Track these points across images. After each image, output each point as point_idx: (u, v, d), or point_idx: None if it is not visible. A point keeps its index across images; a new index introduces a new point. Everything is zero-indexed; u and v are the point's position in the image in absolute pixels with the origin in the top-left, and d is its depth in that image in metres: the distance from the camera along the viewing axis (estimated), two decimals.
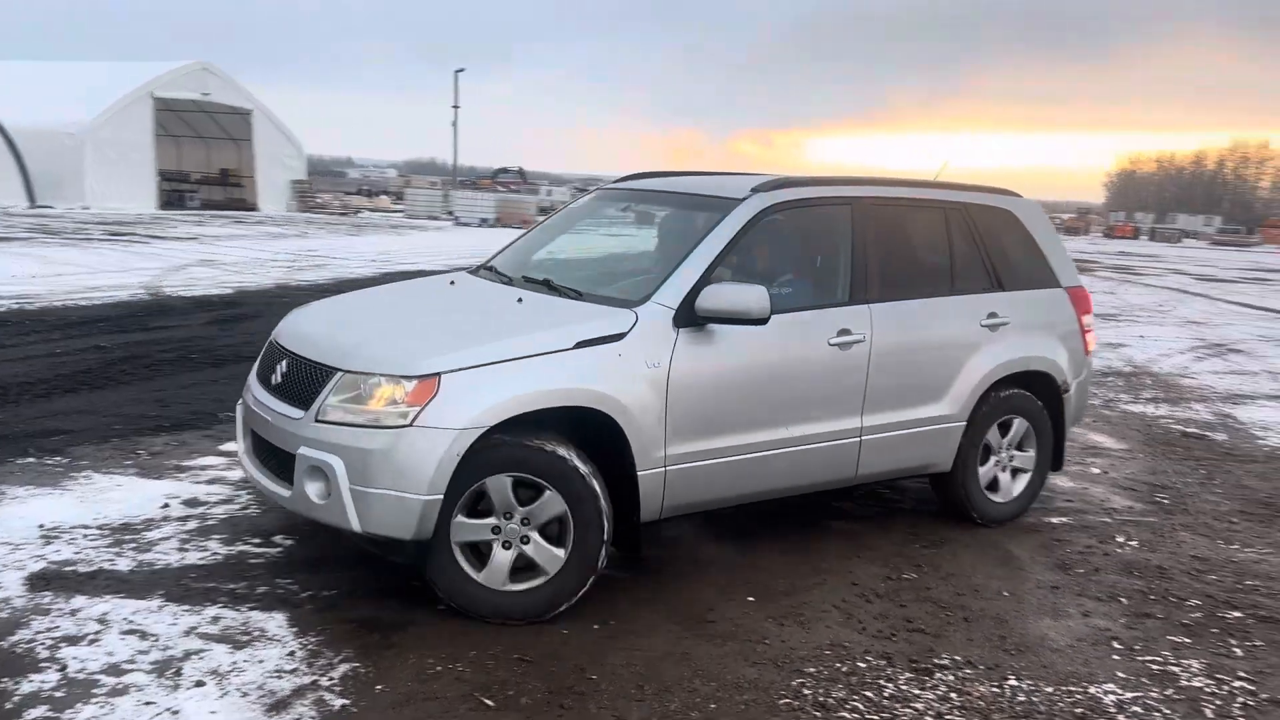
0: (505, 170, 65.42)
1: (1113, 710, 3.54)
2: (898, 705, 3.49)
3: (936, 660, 3.84)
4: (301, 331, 4.35)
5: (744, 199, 4.63)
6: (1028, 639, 4.08)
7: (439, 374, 3.74)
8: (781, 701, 3.46)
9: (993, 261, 5.39)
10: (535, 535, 3.91)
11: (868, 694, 3.55)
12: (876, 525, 5.36)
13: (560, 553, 3.92)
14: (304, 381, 3.99)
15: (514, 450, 3.81)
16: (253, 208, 36.02)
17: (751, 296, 4.14)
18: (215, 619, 3.81)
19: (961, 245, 5.32)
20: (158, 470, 5.55)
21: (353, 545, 4.11)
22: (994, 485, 5.42)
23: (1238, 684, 3.77)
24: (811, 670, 3.69)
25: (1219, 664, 3.93)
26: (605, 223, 5.81)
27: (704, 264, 4.34)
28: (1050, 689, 3.66)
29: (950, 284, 5.23)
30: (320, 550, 4.51)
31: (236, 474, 5.48)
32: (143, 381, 7.70)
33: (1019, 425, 5.43)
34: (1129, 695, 3.65)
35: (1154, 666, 3.89)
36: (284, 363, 4.20)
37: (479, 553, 3.91)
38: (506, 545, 3.89)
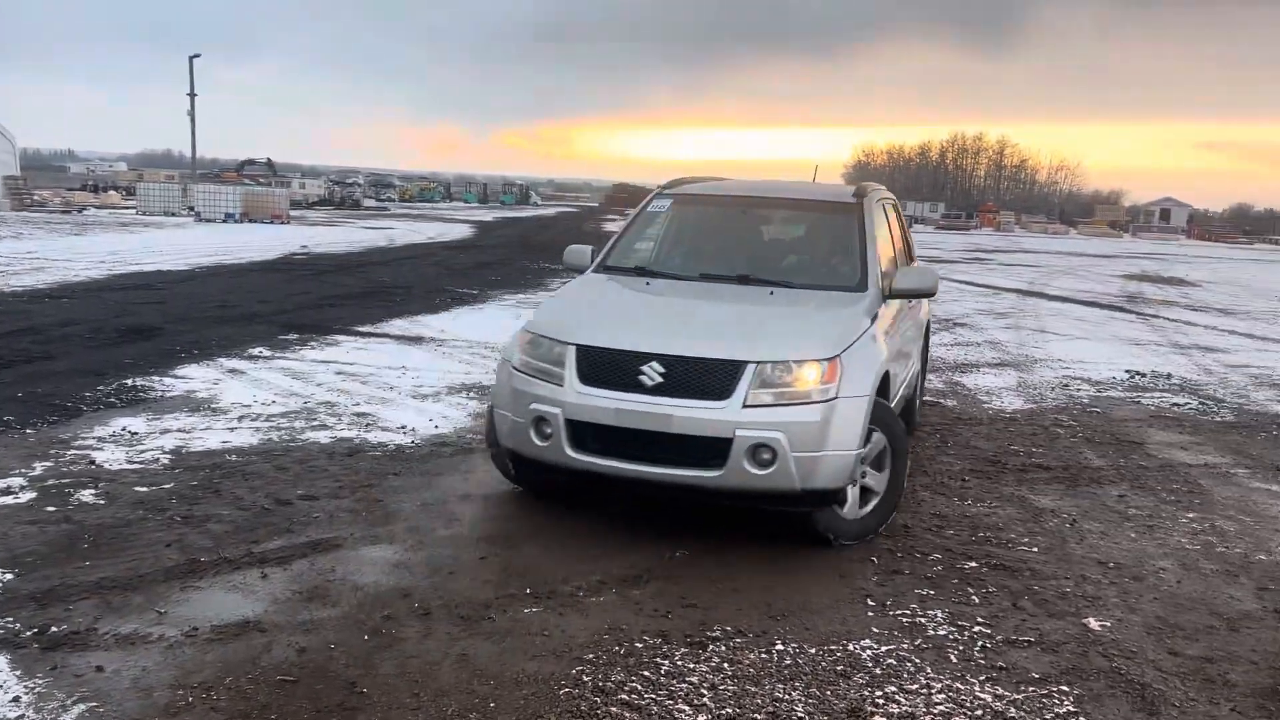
0: (252, 162, 61.74)
1: (870, 664, 3.76)
2: (674, 681, 3.55)
3: (709, 633, 3.94)
4: (660, 339, 4.82)
5: (859, 201, 6.14)
6: (791, 604, 4.27)
7: (839, 355, 4.74)
8: (562, 692, 3.44)
9: None
10: (869, 469, 5.02)
11: (645, 673, 3.59)
12: (650, 509, 5.44)
13: (885, 474, 5.07)
14: (702, 377, 4.66)
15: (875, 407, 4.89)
16: None
17: (929, 278, 5.77)
18: None
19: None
20: None
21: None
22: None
23: (977, 629, 4.10)
24: (590, 657, 3.69)
25: (960, 612, 4.26)
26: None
27: (879, 254, 5.79)
28: (814, 649, 3.84)
29: None
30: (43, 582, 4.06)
31: None
32: None
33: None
34: (883, 649, 3.89)
35: (904, 619, 4.17)
36: (654, 365, 4.70)
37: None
38: (853, 482, 4.91)
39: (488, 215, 54.25)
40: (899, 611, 4.24)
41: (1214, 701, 3.56)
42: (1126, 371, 10.68)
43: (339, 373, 8.70)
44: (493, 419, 5.31)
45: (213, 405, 7.26)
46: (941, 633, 4.06)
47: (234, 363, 8.87)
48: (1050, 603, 4.40)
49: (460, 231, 35.56)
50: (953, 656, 3.85)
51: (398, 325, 11.72)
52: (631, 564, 4.63)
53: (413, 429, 6.91)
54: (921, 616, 4.20)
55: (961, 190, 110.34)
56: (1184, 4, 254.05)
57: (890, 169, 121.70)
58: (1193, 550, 5.11)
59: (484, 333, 11.35)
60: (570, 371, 4.84)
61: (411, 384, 8.39)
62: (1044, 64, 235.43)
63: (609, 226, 46.68)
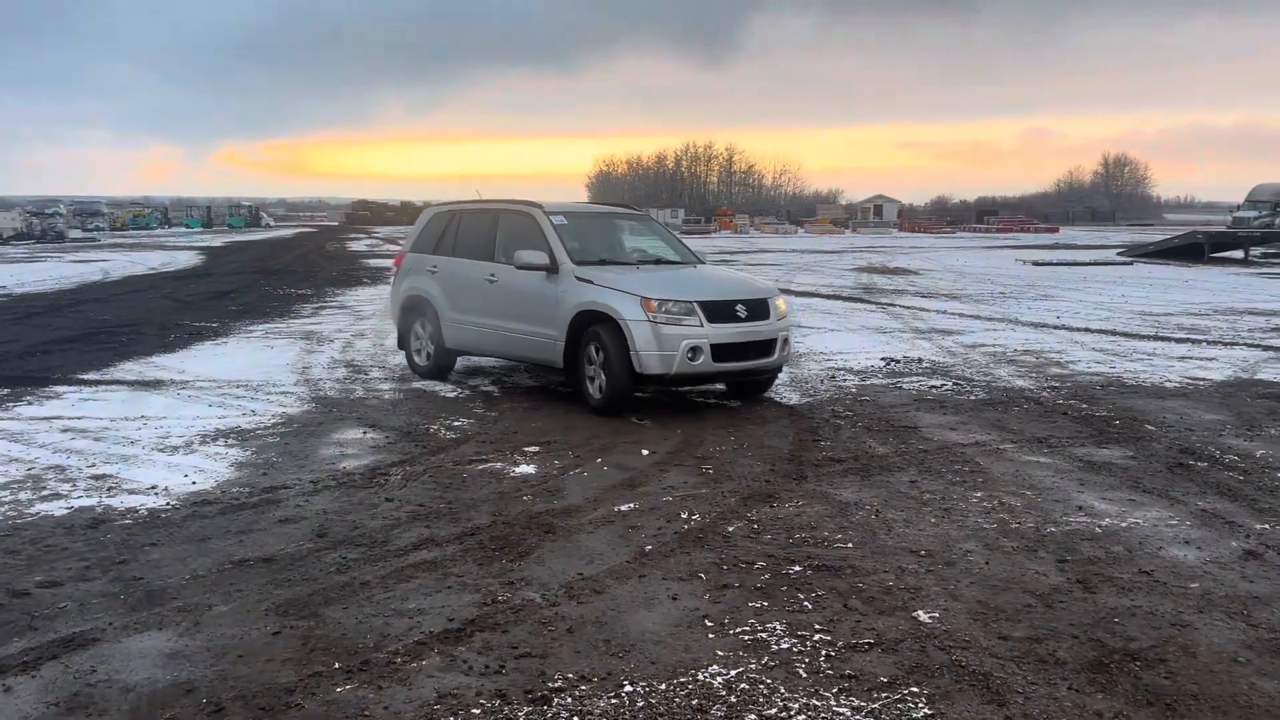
0: None
1: (723, 692, 3.56)
2: None
3: (551, 684, 3.61)
4: (726, 295, 8.34)
5: (642, 212, 11.12)
6: (630, 637, 4.01)
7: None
8: None
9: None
10: None
11: None
12: (458, 549, 5.02)
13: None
14: (756, 309, 8.33)
15: None
16: None
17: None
18: None
19: None
20: None
21: None
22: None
23: (817, 637, 4.01)
24: None
25: (797, 621, 4.17)
26: (606, 231, 9.74)
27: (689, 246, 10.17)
28: (664, 685, 3.60)
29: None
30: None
31: None
32: None
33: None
34: (733, 673, 3.71)
35: (746, 638, 4.01)
36: (740, 306, 8.24)
37: None
38: None
39: (216, 240, 50.62)
40: (739, 629, 4.08)
41: (1051, 682, 3.63)
42: (882, 359, 11.27)
43: (65, 430, 7.59)
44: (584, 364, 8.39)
45: None
46: (785, 646, 3.93)
47: None
48: (878, 599, 4.40)
49: (187, 259, 32.89)
50: (802, 671, 3.73)
51: (129, 369, 10.47)
52: (449, 613, 4.21)
53: (165, 488, 6.09)
54: (762, 631, 4.07)
55: (697, 196, 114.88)
56: (878, 18, 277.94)
57: (631, 178, 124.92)
58: (990, 529, 5.32)
59: (231, 369, 10.36)
60: (701, 317, 7.97)
61: (155, 435, 7.44)
62: (760, 75, 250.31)
63: (354, 246, 44.80)
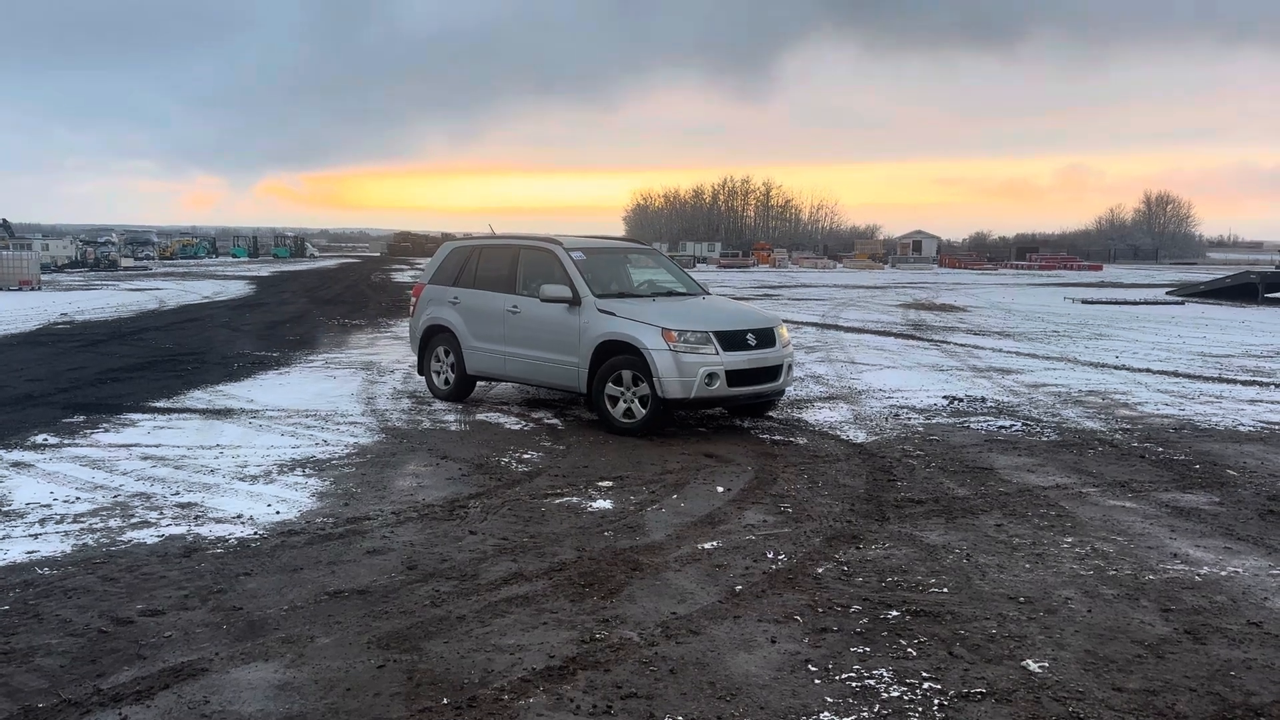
0: None
1: None
2: None
3: None
4: (738, 325, 9.00)
5: (649, 246, 11.69)
6: (734, 680, 3.97)
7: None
8: None
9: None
10: None
11: None
12: (548, 584, 5.01)
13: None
14: (764, 338, 9.01)
15: None
16: None
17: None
18: None
19: None
20: None
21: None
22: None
23: (926, 685, 3.95)
24: None
25: (904, 668, 4.10)
26: (619, 265, 10.40)
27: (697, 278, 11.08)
28: None
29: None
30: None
31: None
32: None
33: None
34: None
35: (853, 684, 3.96)
36: (750, 335, 8.92)
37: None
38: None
39: (264, 270, 51.44)
40: (844, 675, 4.03)
41: None
42: (944, 397, 11.16)
43: (145, 457, 7.70)
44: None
45: (3, 508, 6.19)
46: (895, 694, 3.87)
47: (16, 455, 7.68)
48: (983, 647, 4.32)
49: (239, 289, 33.41)
50: None
51: (199, 398, 10.62)
52: (548, 650, 4.20)
53: (250, 517, 6.14)
54: (869, 678, 4.01)
55: (734, 230, 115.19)
56: (918, 53, 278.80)
57: (668, 212, 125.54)
58: (1088, 576, 5.22)
59: (299, 399, 10.47)
60: (716, 345, 8.64)
61: (233, 465, 7.52)
62: (798, 109, 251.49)
63: (399, 277, 45.31)
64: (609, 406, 8.94)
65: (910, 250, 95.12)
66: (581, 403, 10.01)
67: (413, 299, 11.27)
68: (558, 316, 9.39)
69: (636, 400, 8.82)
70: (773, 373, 9.10)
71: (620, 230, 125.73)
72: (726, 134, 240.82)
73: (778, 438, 8.87)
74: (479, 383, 10.80)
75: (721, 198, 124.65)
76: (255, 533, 5.83)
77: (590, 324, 9.12)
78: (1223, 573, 5.29)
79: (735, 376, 8.70)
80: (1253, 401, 11.11)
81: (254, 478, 7.12)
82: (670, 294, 9.99)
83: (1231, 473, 7.58)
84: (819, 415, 9.99)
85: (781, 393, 9.71)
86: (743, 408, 9.66)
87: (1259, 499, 6.80)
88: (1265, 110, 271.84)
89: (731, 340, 8.77)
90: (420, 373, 11.05)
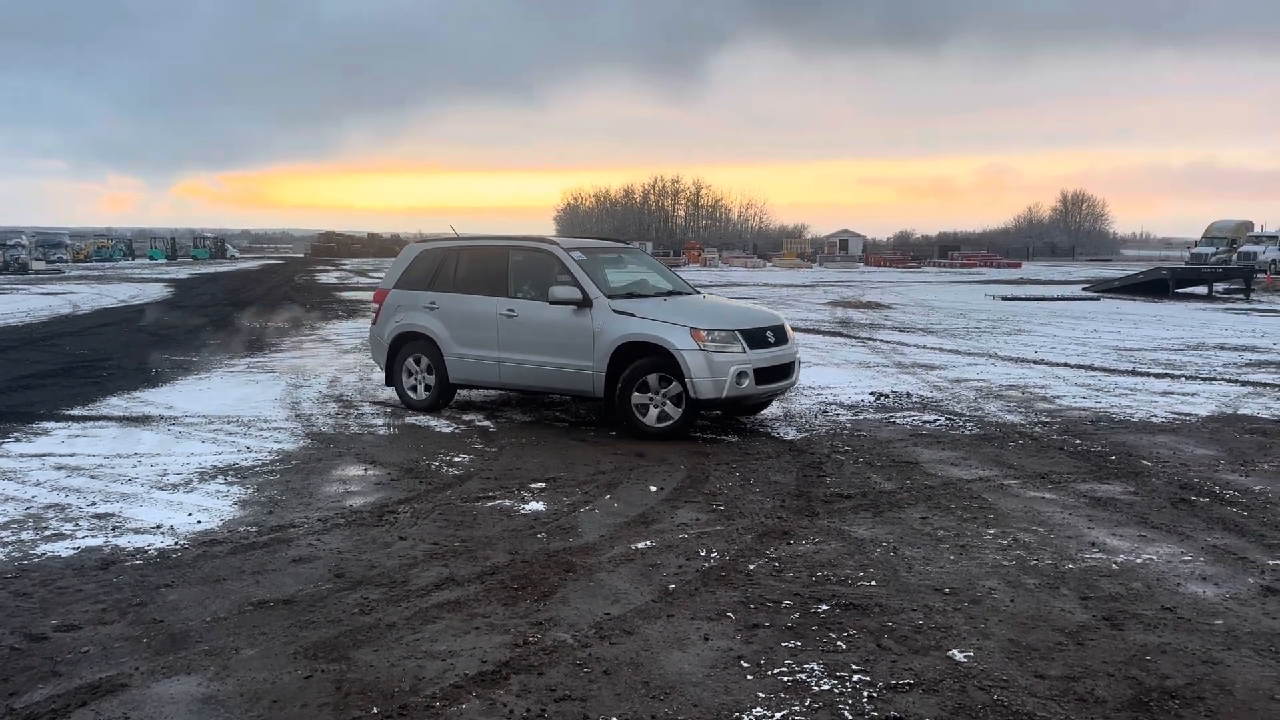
0: None
1: None
2: None
3: None
4: (757, 323, 9.04)
5: (636, 245, 12.09)
6: (668, 678, 3.98)
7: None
8: None
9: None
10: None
11: None
12: (480, 588, 4.97)
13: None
14: (779, 335, 9.13)
15: None
16: None
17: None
18: None
19: None
20: None
21: None
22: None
23: (857, 678, 4.01)
24: None
25: (834, 661, 4.16)
26: (615, 265, 10.10)
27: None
28: None
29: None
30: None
31: None
32: None
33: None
34: (778, 715, 3.69)
35: (785, 678, 4.00)
36: (769, 332, 9.00)
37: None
38: None
39: (182, 272, 50.10)
40: (776, 670, 4.07)
41: None
42: (871, 394, 11.34)
43: (59, 467, 7.44)
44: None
45: None
46: (826, 687, 3.92)
47: None
48: (910, 638, 4.40)
49: (157, 292, 32.50)
50: (847, 713, 3.71)
51: (115, 405, 10.30)
52: (481, 655, 4.16)
53: (171, 527, 5.98)
54: (800, 672, 4.05)
55: (665, 229, 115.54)
56: (844, 55, 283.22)
57: (599, 211, 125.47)
58: (1010, 566, 5.35)
59: (220, 405, 10.22)
60: (743, 344, 8.63)
61: (153, 473, 7.31)
62: (728, 110, 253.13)
63: (324, 278, 44.48)
64: (638, 415, 8.71)
65: (837, 249, 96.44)
66: (594, 407, 9.78)
67: (375, 305, 10.60)
68: (564, 319, 9.09)
69: (669, 402, 8.67)
70: (787, 369, 9.18)
71: (552, 229, 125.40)
72: (657, 134, 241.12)
73: (710, 436, 8.93)
74: (458, 391, 10.37)
75: (652, 197, 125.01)
76: (176, 543, 5.67)
77: (606, 326, 8.85)
78: (1138, 560, 5.47)
79: (762, 374, 8.72)
80: (1165, 393, 11.51)
81: (174, 486, 6.93)
82: (671, 294, 9.76)
83: (1145, 463, 7.84)
84: (756, 413, 10.06)
85: (791, 388, 9.79)
86: (750, 407, 9.60)
87: (1171, 488, 7.05)
88: (1177, 111, 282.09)
89: (754, 338, 8.77)
90: (389, 384, 10.43)
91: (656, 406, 8.72)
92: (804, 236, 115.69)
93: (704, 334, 8.52)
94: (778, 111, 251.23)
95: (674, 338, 8.53)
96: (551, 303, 9.08)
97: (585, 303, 8.99)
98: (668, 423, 8.68)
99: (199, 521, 6.10)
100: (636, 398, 8.72)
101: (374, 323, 10.57)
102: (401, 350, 10.18)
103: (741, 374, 8.52)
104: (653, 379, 8.67)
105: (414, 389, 10.15)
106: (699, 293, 10.12)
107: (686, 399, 8.57)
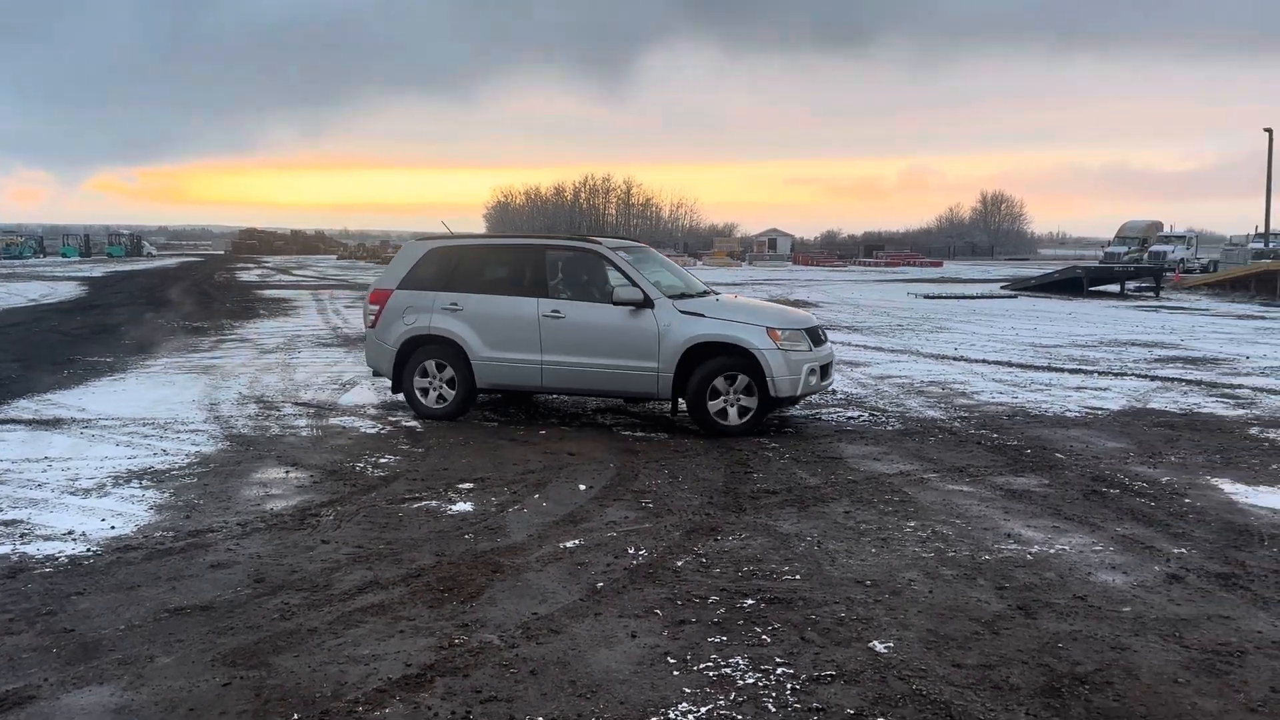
0: None
1: None
2: None
3: None
4: (809, 323, 9.37)
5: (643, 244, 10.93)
6: (595, 676, 3.99)
7: None
8: None
9: None
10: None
11: None
12: (405, 591, 4.91)
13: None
14: (824, 333, 9.52)
15: None
16: None
17: None
18: None
19: None
20: None
21: None
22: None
23: (780, 671, 4.06)
24: None
25: (759, 655, 4.21)
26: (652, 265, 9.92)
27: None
28: None
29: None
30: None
31: None
32: None
33: None
34: (704, 709, 3.73)
35: (711, 673, 4.04)
36: (820, 331, 9.39)
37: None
38: None
39: (97, 270, 48.51)
40: (702, 665, 4.11)
41: (1010, 709, 3.76)
42: None
43: None
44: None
45: None
46: (750, 681, 3.97)
47: None
48: (832, 630, 4.48)
49: (70, 290, 31.44)
50: (770, 706, 3.77)
51: (24, 407, 9.94)
52: (405, 659, 4.12)
53: (83, 533, 5.80)
54: (725, 667, 4.10)
55: (596, 228, 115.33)
56: (772, 56, 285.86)
57: (530, 209, 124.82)
58: (929, 558, 5.48)
59: (134, 407, 9.93)
60: (809, 342, 8.94)
61: (64, 478, 7.08)
62: (658, 109, 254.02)
63: (246, 276, 43.47)
64: (713, 415, 8.79)
65: (766, 248, 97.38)
66: (656, 407, 9.84)
67: (372, 307, 9.77)
68: (620, 320, 8.96)
69: (742, 399, 8.79)
70: (830, 368, 9.47)
71: (481, 226, 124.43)
72: (588, 133, 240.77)
73: (640, 434, 8.95)
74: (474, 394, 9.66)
75: (583, 195, 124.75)
76: (88, 549, 5.50)
77: (673, 326, 8.81)
78: (1051, 550, 5.64)
79: (823, 371, 9.13)
80: (1078, 389, 11.88)
81: (86, 491, 6.72)
82: (704, 294, 9.79)
83: (1059, 456, 8.09)
84: (680, 410, 10.12)
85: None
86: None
87: (1084, 480, 7.28)
88: (1094, 113, 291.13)
89: (815, 336, 9.14)
90: (396, 391, 9.76)
91: (731, 405, 8.83)
92: (734, 235, 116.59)
93: (780, 333, 8.77)
94: (709, 111, 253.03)
95: (753, 337, 8.72)
96: (615, 304, 8.96)
97: (646, 303, 8.91)
98: (746, 418, 8.81)
99: (113, 527, 5.92)
100: (712, 404, 8.81)
101: (371, 326, 9.80)
102: (414, 355, 9.55)
103: (811, 370, 8.83)
104: (720, 379, 8.76)
105: (424, 393, 9.57)
106: (716, 293, 10.01)
107: (763, 396, 8.72)
